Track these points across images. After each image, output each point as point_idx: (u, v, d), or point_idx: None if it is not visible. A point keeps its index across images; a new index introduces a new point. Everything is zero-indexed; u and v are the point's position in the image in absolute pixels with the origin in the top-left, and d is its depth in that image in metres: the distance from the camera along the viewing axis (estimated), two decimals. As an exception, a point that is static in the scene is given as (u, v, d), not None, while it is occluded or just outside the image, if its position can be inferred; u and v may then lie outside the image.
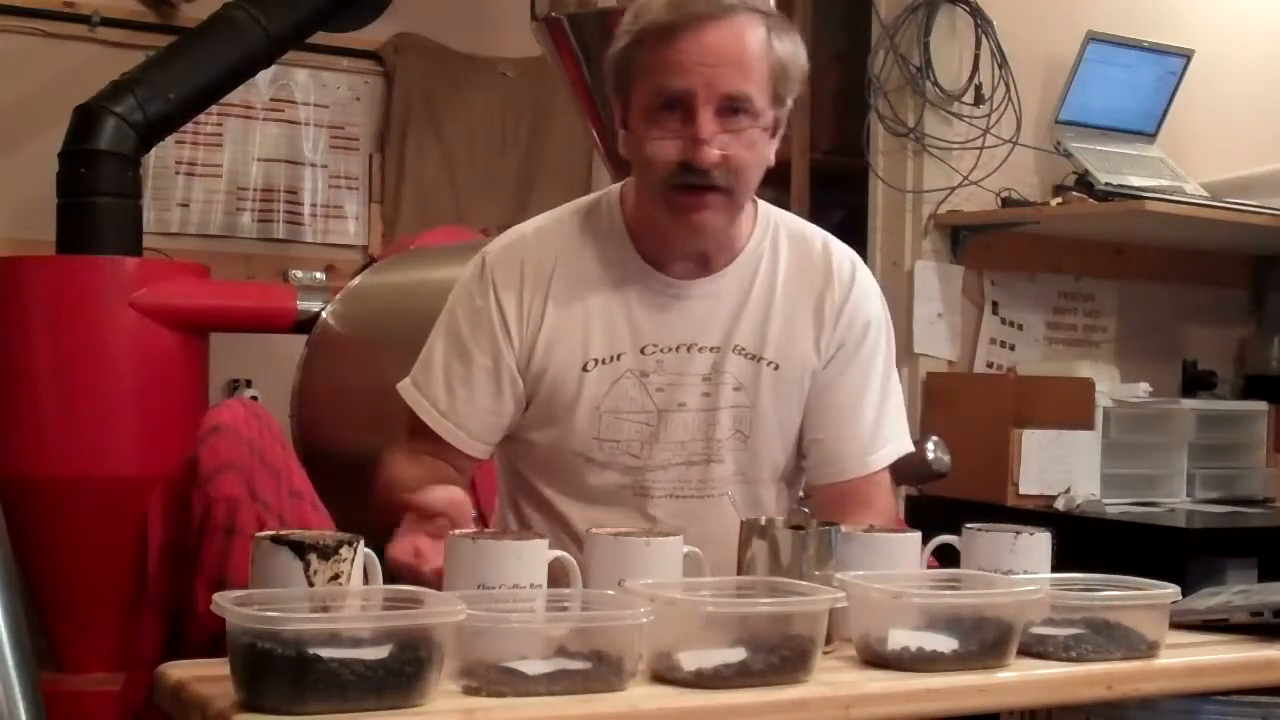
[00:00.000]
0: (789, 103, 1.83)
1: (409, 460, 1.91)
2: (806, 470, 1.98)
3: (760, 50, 1.77)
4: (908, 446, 1.99)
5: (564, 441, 1.89)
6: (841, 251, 1.97)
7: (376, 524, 1.62)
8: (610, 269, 1.89)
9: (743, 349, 1.89)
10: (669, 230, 1.85)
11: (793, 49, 1.81)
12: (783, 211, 2.00)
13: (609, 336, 1.87)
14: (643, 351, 1.87)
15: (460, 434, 1.90)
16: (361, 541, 1.42)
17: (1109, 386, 3.60)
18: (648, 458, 1.88)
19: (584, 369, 1.87)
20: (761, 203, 1.96)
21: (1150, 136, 3.90)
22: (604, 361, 1.87)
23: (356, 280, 3.13)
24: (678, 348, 1.88)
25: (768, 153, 1.83)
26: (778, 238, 1.94)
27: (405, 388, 1.93)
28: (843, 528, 1.60)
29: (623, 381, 1.87)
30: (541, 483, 1.95)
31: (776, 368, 1.90)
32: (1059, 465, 3.44)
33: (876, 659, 1.45)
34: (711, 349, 1.88)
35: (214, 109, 3.63)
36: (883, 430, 1.95)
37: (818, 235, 1.98)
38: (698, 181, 1.77)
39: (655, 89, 1.77)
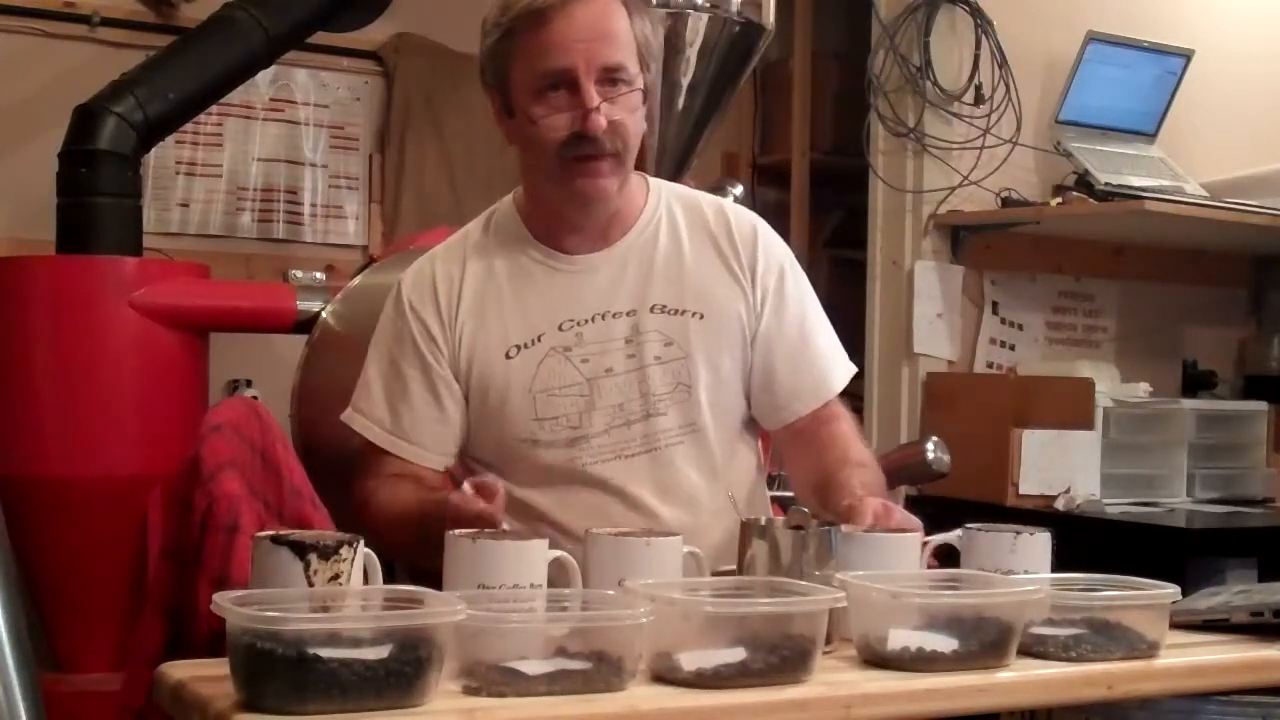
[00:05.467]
0: (653, 71, 1.95)
1: (393, 484, 1.94)
2: (774, 415, 2.02)
3: (624, 25, 1.89)
4: (853, 366, 2.09)
5: (508, 431, 1.94)
6: (739, 211, 2.06)
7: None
8: (515, 259, 1.98)
9: (663, 306, 1.96)
10: (565, 204, 1.94)
11: (651, 26, 1.94)
12: (669, 183, 2.09)
13: (526, 320, 1.95)
14: (560, 328, 1.94)
15: (413, 449, 1.96)
16: (361, 541, 1.42)
17: (1109, 386, 3.60)
18: (587, 426, 1.93)
19: (507, 356, 1.94)
20: (650, 177, 2.07)
21: (1150, 136, 3.90)
22: (526, 346, 1.94)
23: (356, 280, 3.11)
24: (593, 318, 1.95)
25: (644, 118, 1.93)
26: (671, 205, 2.03)
27: (350, 416, 2.00)
28: (843, 528, 1.61)
29: (548, 360, 1.94)
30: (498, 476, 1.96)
31: (701, 317, 1.97)
32: (1059, 465, 3.45)
33: (876, 659, 1.45)
34: (628, 313, 1.96)
35: (214, 109, 3.62)
36: (837, 353, 2.06)
37: (708, 200, 2.07)
38: (590, 150, 1.87)
39: (540, 71, 1.87)
